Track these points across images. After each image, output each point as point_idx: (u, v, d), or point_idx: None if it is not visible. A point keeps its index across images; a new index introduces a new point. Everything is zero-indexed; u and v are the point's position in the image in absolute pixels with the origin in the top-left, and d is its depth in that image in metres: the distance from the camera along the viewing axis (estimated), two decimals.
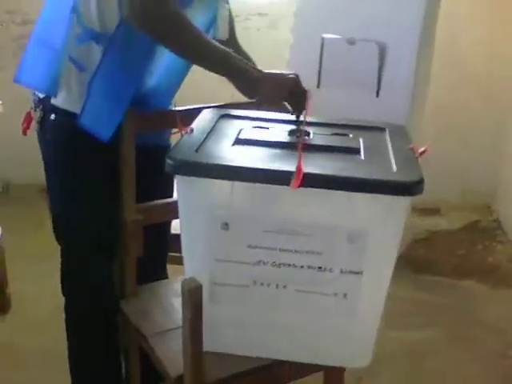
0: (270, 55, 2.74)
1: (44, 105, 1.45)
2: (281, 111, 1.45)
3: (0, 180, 3.23)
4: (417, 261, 2.79)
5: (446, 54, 2.82)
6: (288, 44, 2.50)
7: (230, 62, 1.35)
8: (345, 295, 1.21)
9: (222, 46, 1.36)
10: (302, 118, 1.38)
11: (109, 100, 1.39)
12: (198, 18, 1.44)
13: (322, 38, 2.35)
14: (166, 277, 1.67)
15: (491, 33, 3.04)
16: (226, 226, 1.17)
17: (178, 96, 1.60)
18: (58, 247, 1.56)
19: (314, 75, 2.38)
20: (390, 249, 1.18)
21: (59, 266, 1.56)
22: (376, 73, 2.32)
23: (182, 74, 1.53)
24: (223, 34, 1.52)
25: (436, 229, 3.09)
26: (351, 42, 2.32)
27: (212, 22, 1.52)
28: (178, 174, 1.14)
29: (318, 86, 2.39)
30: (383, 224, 1.16)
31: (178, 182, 1.16)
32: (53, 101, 1.43)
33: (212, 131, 1.31)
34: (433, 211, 3.20)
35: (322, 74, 2.39)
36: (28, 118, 1.50)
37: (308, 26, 2.41)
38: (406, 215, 1.16)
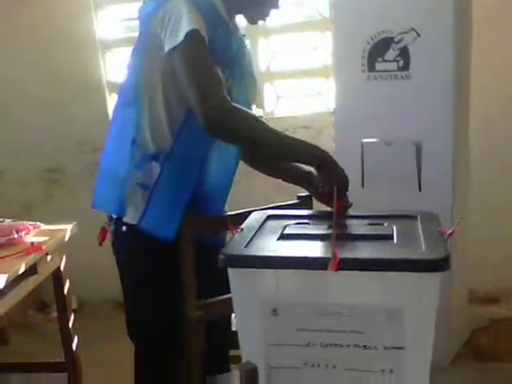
0: None
1: (116, 220, 1.66)
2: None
3: (76, 297, 3.44)
4: (480, 349, 2.79)
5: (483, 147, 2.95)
6: (331, 150, 2.70)
7: (294, 140, 1.56)
8: (391, 371, 1.30)
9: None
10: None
11: (168, 206, 1.60)
12: (242, 93, 1.68)
13: (362, 143, 2.53)
14: (228, 370, 1.79)
15: None
16: (275, 312, 1.30)
17: (234, 202, 1.81)
18: (130, 356, 1.72)
19: (358, 176, 2.54)
20: (428, 323, 1.27)
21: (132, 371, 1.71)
22: (415, 169, 2.47)
23: (229, 179, 1.75)
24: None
25: (497, 317, 3.09)
26: (389, 143, 2.49)
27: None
28: (229, 267, 1.29)
29: (363, 186, 2.55)
30: (418, 301, 1.26)
31: (230, 275, 1.31)
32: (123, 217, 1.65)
33: (260, 230, 1.47)
34: (493, 300, 3.22)
35: (365, 174, 2.56)
36: (103, 232, 1.71)
37: (347, 133, 2.60)
38: (438, 291, 1.26)
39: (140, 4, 1.70)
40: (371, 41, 2.54)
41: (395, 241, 1.36)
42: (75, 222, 2.21)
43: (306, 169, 1.70)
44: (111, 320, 2.86)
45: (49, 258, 2.09)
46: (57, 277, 2.23)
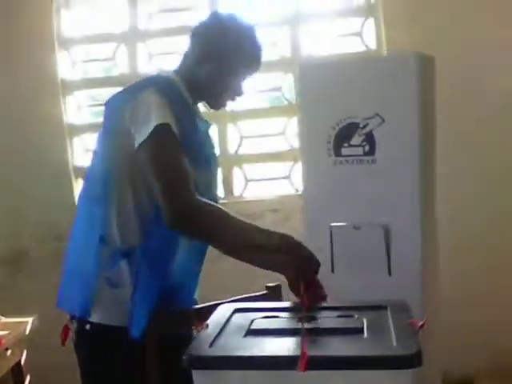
0: None
1: (79, 318, 1.59)
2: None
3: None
4: None
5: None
6: (300, 232, 2.67)
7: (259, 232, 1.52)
8: None
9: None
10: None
11: (136, 304, 1.55)
12: (208, 178, 1.67)
13: (330, 227, 2.52)
14: None
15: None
16: None
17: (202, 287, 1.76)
18: None
19: (327, 261, 2.51)
20: None
21: None
22: (384, 253, 2.46)
23: (198, 270, 1.72)
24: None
25: None
26: (357, 227, 2.49)
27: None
28: (193, 368, 1.23)
29: (333, 271, 2.52)
30: None
31: (194, 377, 1.25)
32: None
33: (226, 325, 1.41)
34: (466, 382, 3.16)
35: (335, 259, 2.53)
36: (65, 330, 1.64)
37: (316, 217, 2.59)
38: None
39: (107, 93, 1.70)
40: (337, 126, 2.56)
41: (365, 335, 1.32)
42: (36, 315, 2.14)
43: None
44: None
45: (8, 352, 2.00)
46: (16, 372, 2.13)
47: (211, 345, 1.28)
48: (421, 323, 1.35)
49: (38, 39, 3.51)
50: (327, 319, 1.44)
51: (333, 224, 2.54)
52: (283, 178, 3.47)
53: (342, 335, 1.33)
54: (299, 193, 3.34)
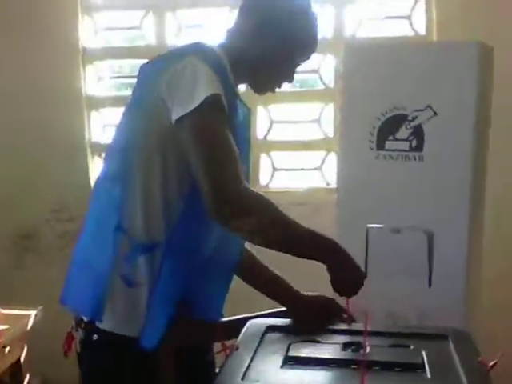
0: None
1: (86, 325, 1.37)
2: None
3: (40, 378, 3.09)
4: None
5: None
6: (329, 231, 2.45)
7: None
8: None
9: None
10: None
11: (158, 309, 1.32)
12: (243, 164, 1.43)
13: (367, 228, 2.29)
14: None
15: None
16: None
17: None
18: None
19: (361, 265, 2.29)
20: None
21: None
22: (426, 261, 2.23)
23: (228, 279, 1.49)
24: None
25: None
26: (397, 230, 2.25)
27: None
28: None
29: (366, 276, 2.30)
30: None
31: None
32: (96, 322, 1.36)
33: (259, 348, 1.21)
34: None
35: (369, 263, 2.30)
36: (69, 339, 1.42)
37: (351, 216, 2.36)
38: None
39: (130, 65, 1.47)
40: (382, 117, 2.33)
41: (428, 374, 1.10)
42: (40, 307, 1.93)
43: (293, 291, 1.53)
44: None
45: (7, 350, 1.79)
46: (14, 371, 1.92)
47: (244, 376, 1.06)
48: (492, 363, 1.13)
49: (60, 4, 3.28)
50: (378, 349, 1.22)
51: (370, 225, 2.31)
52: (314, 169, 3.22)
53: (401, 372, 1.12)
54: (330, 186, 3.10)
